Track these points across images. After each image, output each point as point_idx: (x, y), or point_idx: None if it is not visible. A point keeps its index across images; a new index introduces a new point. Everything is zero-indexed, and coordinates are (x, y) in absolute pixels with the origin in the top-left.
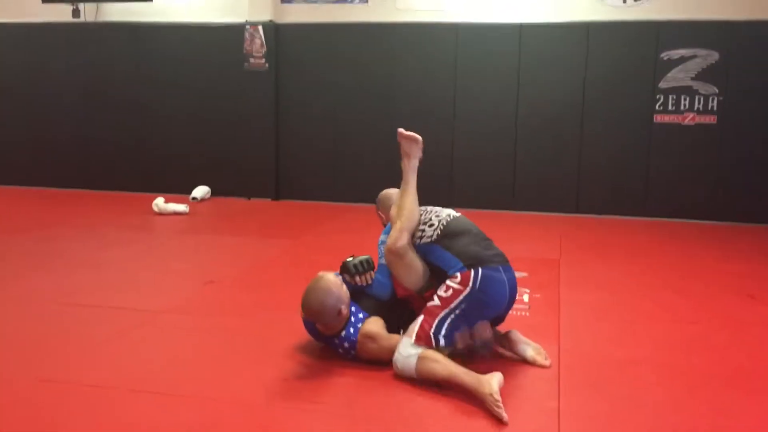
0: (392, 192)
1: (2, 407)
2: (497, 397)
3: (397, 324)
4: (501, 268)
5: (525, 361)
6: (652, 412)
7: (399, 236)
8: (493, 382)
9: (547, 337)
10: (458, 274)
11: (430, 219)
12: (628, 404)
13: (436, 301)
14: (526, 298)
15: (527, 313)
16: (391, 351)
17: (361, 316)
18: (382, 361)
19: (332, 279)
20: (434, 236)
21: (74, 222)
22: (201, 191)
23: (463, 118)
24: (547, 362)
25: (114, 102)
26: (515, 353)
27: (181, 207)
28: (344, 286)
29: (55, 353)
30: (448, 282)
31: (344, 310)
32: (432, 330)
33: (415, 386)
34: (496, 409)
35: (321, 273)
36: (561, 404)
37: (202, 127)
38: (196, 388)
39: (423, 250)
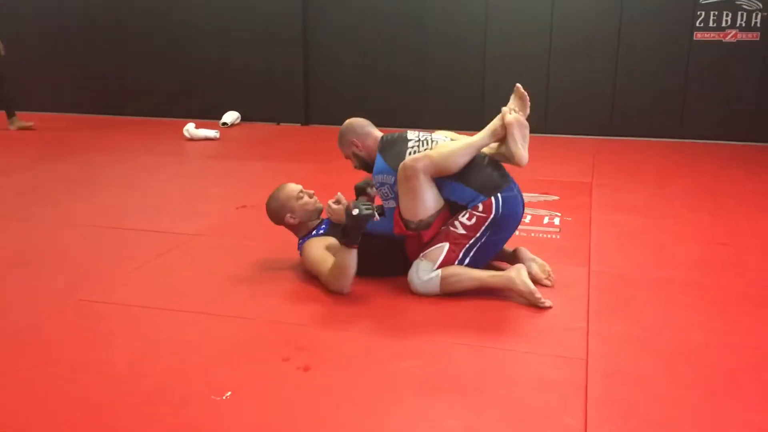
0: (362, 121)
1: (44, 325)
2: (533, 289)
3: (386, 267)
4: (513, 187)
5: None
6: (681, 332)
7: (422, 158)
8: (523, 277)
9: (578, 260)
10: (480, 204)
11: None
12: (657, 324)
13: (460, 229)
14: (557, 221)
15: (558, 236)
16: (316, 270)
17: (321, 231)
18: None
19: (286, 189)
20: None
21: (108, 147)
22: (231, 116)
23: (494, 37)
24: (548, 282)
25: (143, 27)
26: None
27: (212, 132)
28: (300, 200)
29: (93, 274)
30: (471, 210)
31: (289, 218)
32: (457, 260)
33: (439, 300)
34: (537, 302)
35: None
36: (590, 325)
37: (230, 52)
38: (232, 309)
39: (439, 184)
